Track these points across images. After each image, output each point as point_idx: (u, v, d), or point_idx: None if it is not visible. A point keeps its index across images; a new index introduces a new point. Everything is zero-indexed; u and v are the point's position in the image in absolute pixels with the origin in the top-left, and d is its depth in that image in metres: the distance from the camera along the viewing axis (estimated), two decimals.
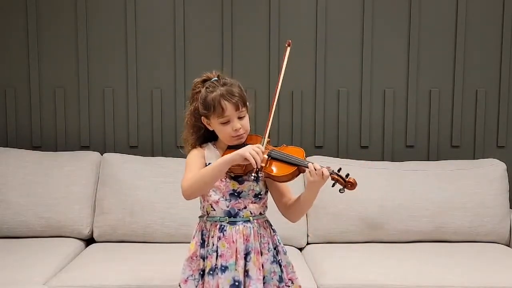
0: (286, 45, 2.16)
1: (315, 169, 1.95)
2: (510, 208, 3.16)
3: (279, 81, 2.13)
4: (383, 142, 3.36)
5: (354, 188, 1.96)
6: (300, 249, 3.01)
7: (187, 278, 2.11)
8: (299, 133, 3.34)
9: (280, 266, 2.09)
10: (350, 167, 3.05)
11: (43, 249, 2.84)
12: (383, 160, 3.33)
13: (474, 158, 3.33)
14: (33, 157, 3.14)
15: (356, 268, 2.65)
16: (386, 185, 3.04)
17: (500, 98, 3.34)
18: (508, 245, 3.05)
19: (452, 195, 3.03)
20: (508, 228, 3.05)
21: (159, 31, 3.30)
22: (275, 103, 2.12)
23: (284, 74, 2.13)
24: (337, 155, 3.32)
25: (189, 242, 2.99)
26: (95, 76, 3.33)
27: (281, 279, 2.07)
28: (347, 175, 1.97)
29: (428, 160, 3.33)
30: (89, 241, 3.06)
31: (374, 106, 3.34)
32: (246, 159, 1.92)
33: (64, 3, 3.29)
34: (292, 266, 2.14)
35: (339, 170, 1.99)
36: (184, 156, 2.22)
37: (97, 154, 3.19)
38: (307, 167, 1.97)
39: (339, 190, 1.96)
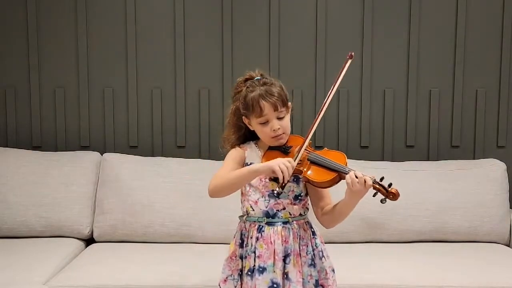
0: (348, 57, 2.10)
1: (357, 177, 1.89)
2: (510, 208, 3.16)
3: (334, 87, 2.07)
4: (383, 142, 3.36)
5: (397, 199, 1.89)
6: None
7: (226, 277, 2.09)
8: (299, 133, 3.32)
9: (317, 271, 2.06)
10: (350, 167, 3.08)
11: (43, 249, 2.84)
12: (383, 160, 3.33)
13: (474, 158, 3.33)
14: (33, 157, 3.14)
15: (356, 268, 2.65)
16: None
17: (500, 98, 3.34)
18: (508, 245, 3.05)
19: (452, 195, 3.03)
20: (508, 228, 3.05)
21: (159, 31, 3.31)
22: (324, 108, 2.07)
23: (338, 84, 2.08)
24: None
25: (188, 242, 3.02)
26: (95, 76, 3.33)
27: (317, 284, 2.04)
28: (390, 185, 1.90)
29: (428, 160, 3.33)
30: (89, 241, 3.06)
31: (374, 106, 3.34)
32: (274, 172, 1.90)
33: (64, 3, 3.29)
34: (326, 273, 2.08)
35: (382, 179, 1.92)
36: (220, 157, 2.19)
37: (97, 154, 3.19)
38: (350, 174, 1.91)
39: (381, 200, 1.90)
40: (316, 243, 2.09)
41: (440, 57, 3.33)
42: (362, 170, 3.04)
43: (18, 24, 3.30)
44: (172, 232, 2.98)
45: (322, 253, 2.10)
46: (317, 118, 2.06)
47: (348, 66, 2.08)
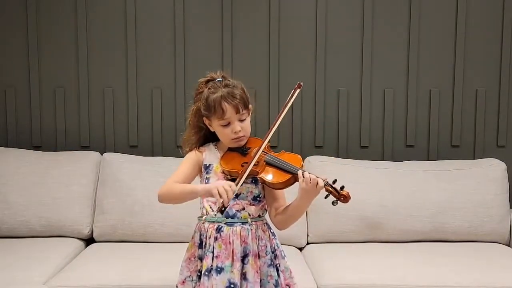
0: (296, 86, 2.11)
1: (310, 179, 1.92)
2: (510, 208, 3.16)
3: (282, 112, 2.06)
4: (383, 142, 3.36)
5: (347, 201, 1.93)
6: (300, 249, 3.01)
7: (185, 279, 2.10)
8: (299, 133, 3.34)
9: (278, 270, 2.07)
10: (350, 167, 3.08)
11: (43, 249, 2.84)
12: (383, 160, 3.33)
13: (474, 158, 3.33)
14: (33, 157, 3.14)
15: (356, 268, 2.65)
16: (386, 185, 3.04)
17: (500, 98, 3.34)
18: (508, 245, 3.05)
19: (452, 195, 3.03)
20: (508, 228, 3.05)
21: (159, 31, 3.31)
22: (282, 115, 2.06)
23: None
24: (337, 155, 3.32)
25: (188, 242, 3.01)
26: (95, 76, 3.33)
27: (277, 284, 2.05)
28: (342, 188, 1.93)
29: (428, 160, 3.33)
30: (89, 241, 3.06)
31: (374, 106, 3.34)
32: (212, 195, 1.92)
33: (64, 3, 3.29)
34: (291, 272, 2.10)
35: (334, 181, 1.95)
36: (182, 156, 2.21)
37: (97, 154, 3.19)
38: (301, 175, 1.93)
39: (332, 202, 1.93)
40: (277, 244, 2.10)
41: (440, 57, 3.33)
42: (362, 170, 3.07)
43: (18, 24, 3.30)
44: (172, 232, 2.98)
45: (283, 253, 2.11)
46: (276, 122, 2.07)
47: (296, 97, 2.11)
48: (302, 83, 2.11)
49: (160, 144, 3.35)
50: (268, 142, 2.07)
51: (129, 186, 3.02)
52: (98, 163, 3.14)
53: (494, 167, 3.12)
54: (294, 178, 1.98)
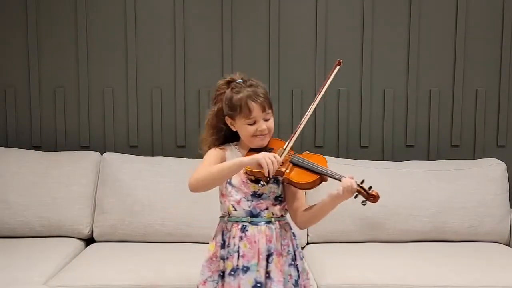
0: (336, 63, 2.11)
1: (349, 184, 1.91)
2: (510, 208, 3.16)
3: (320, 92, 2.09)
4: (383, 142, 3.36)
5: (377, 201, 1.94)
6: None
7: (206, 279, 2.09)
8: (299, 132, 3.33)
9: (298, 270, 2.07)
10: (350, 166, 3.08)
11: (43, 249, 2.84)
12: (383, 159, 3.33)
13: (474, 158, 3.33)
14: (33, 157, 3.14)
15: (356, 268, 2.65)
16: (386, 185, 3.04)
17: (500, 98, 3.34)
18: (508, 245, 3.05)
19: (452, 195, 3.03)
20: (508, 228, 3.05)
21: (159, 31, 3.31)
22: (309, 113, 2.07)
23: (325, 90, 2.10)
24: (337, 154, 3.32)
25: (188, 242, 3.01)
26: (95, 76, 3.33)
27: (297, 284, 2.05)
28: (370, 188, 1.94)
29: (428, 159, 3.33)
30: (89, 241, 3.06)
31: (374, 106, 3.34)
32: (260, 165, 1.91)
33: (64, 3, 3.29)
34: (307, 273, 2.12)
35: (362, 181, 1.96)
36: (196, 156, 2.21)
37: (97, 154, 3.19)
38: (332, 178, 1.95)
39: (362, 202, 1.94)
40: (296, 244, 2.11)
41: (440, 57, 3.33)
42: (362, 169, 3.07)
43: (18, 24, 3.30)
44: (172, 232, 2.98)
45: (302, 254, 2.13)
46: (303, 121, 2.08)
47: (336, 73, 2.11)
48: (341, 60, 2.11)
49: (160, 144, 3.35)
50: (292, 143, 2.07)
51: (129, 186, 3.02)
52: (98, 163, 3.14)
53: (494, 167, 3.12)
54: (321, 179, 1.99)
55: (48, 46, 3.31)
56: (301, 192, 2.09)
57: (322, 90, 2.09)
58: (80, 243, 3.01)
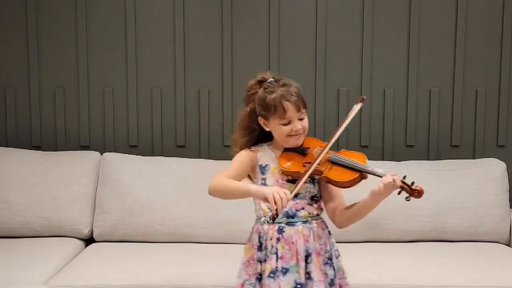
0: (359, 101, 2.07)
1: (391, 180, 1.89)
2: (510, 207, 3.16)
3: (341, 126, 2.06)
4: (383, 142, 3.36)
5: (421, 196, 1.91)
6: None
7: (244, 282, 2.06)
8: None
9: (334, 269, 2.05)
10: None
11: (43, 249, 2.84)
12: (383, 159, 3.32)
13: (474, 158, 3.32)
14: (33, 157, 3.14)
15: (356, 267, 2.64)
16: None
17: (500, 98, 3.34)
18: (508, 245, 3.05)
19: (452, 195, 3.03)
20: (508, 228, 3.05)
21: (159, 31, 3.31)
22: (349, 119, 2.05)
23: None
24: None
25: (188, 242, 3.02)
26: (95, 76, 3.33)
27: (332, 283, 2.03)
28: (413, 183, 1.92)
29: (428, 159, 3.33)
30: (89, 241, 3.06)
31: (374, 106, 3.34)
32: (266, 200, 1.87)
33: (64, 3, 3.29)
34: (343, 272, 2.09)
35: (404, 177, 1.93)
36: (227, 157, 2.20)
37: (97, 154, 3.19)
38: (372, 175, 1.92)
39: (406, 198, 1.91)
40: (332, 243, 2.09)
41: (440, 57, 3.32)
42: None
43: (18, 24, 3.30)
44: (172, 232, 2.98)
45: (338, 252, 2.10)
46: (342, 124, 2.05)
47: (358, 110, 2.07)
48: (364, 97, 2.10)
49: (160, 144, 3.35)
50: (323, 141, 2.05)
51: (129, 186, 3.02)
52: (98, 163, 3.14)
53: (494, 167, 3.12)
54: (361, 176, 1.96)
55: (48, 46, 3.31)
56: (339, 191, 2.06)
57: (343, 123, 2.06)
58: (80, 243, 3.01)
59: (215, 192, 2.03)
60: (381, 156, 3.35)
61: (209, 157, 3.31)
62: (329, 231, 2.10)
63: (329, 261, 2.04)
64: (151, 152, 3.34)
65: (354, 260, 2.73)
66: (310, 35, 3.31)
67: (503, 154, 3.32)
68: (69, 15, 3.29)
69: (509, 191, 3.14)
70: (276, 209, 1.85)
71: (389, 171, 3.05)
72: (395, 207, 2.99)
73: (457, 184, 3.06)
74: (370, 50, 3.31)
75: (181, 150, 3.35)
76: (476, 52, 3.32)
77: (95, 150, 3.24)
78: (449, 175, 3.09)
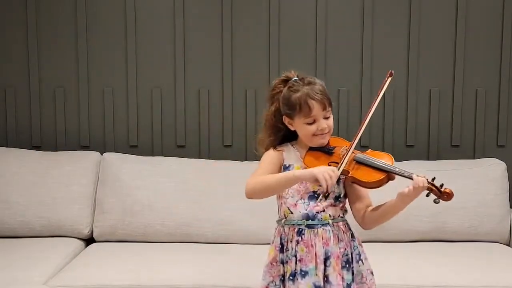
0: (388, 75, 2.05)
1: (420, 181, 1.86)
2: (510, 207, 3.16)
3: (376, 99, 2.08)
4: (383, 142, 3.36)
5: (450, 199, 1.88)
6: None
7: (268, 284, 2.05)
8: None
9: (352, 274, 2.02)
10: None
11: (43, 249, 2.84)
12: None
13: (474, 158, 3.33)
14: (33, 157, 3.14)
15: None
16: (386, 184, 3.03)
17: (500, 98, 3.34)
18: (508, 245, 3.05)
19: None
20: (508, 228, 3.05)
21: (159, 31, 3.31)
22: (371, 112, 2.05)
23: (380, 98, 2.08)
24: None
25: (188, 242, 3.02)
26: (95, 76, 3.33)
27: (348, 287, 2.00)
28: (442, 185, 1.88)
29: (428, 159, 3.33)
30: (89, 240, 3.06)
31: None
32: (317, 180, 1.86)
33: (64, 3, 3.29)
34: (362, 276, 2.04)
35: (433, 179, 1.89)
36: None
37: (97, 154, 3.19)
38: (399, 175, 1.89)
39: (434, 200, 1.88)
40: (354, 246, 2.05)
41: (440, 57, 3.32)
42: None
43: (18, 24, 3.30)
44: (172, 232, 2.98)
45: (359, 256, 2.06)
46: (365, 120, 2.04)
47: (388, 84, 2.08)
48: (393, 71, 2.05)
49: (160, 144, 3.35)
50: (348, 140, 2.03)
51: (129, 186, 3.02)
52: (98, 163, 3.14)
53: (494, 167, 3.12)
54: (388, 177, 1.93)
55: (48, 46, 3.31)
56: (365, 192, 2.03)
57: (377, 98, 2.10)
58: (80, 243, 3.01)
59: (255, 194, 1.99)
60: None
61: (209, 157, 3.31)
62: (352, 234, 2.06)
63: (346, 265, 2.01)
64: (151, 152, 3.34)
65: None
66: (310, 35, 3.31)
67: (503, 154, 3.32)
68: (69, 15, 3.29)
69: (509, 191, 3.14)
70: (327, 187, 1.85)
71: None
72: None
73: (457, 184, 3.03)
74: (370, 50, 3.31)
75: (181, 150, 3.35)
76: (476, 52, 3.32)
77: (95, 150, 3.24)
78: (449, 175, 3.08)
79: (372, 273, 2.08)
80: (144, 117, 3.35)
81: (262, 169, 2.05)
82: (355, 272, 2.03)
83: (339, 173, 1.91)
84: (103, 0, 3.29)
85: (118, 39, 3.31)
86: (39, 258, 2.71)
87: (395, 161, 3.20)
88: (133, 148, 3.35)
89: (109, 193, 3.03)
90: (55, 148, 3.33)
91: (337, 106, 3.34)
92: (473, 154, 3.35)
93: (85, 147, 3.34)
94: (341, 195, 2.04)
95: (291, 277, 1.98)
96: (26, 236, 3.01)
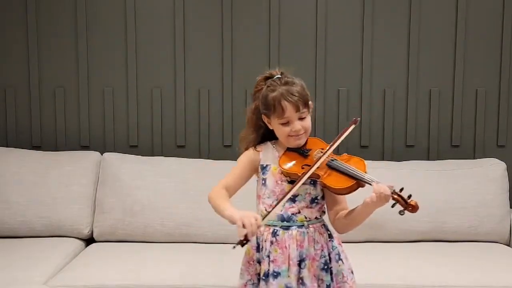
0: (351, 122, 2.04)
1: (380, 192, 1.83)
2: (510, 207, 3.16)
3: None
4: (383, 142, 3.36)
5: (416, 211, 1.84)
6: None
7: (246, 283, 2.05)
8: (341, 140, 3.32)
9: (331, 274, 2.01)
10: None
11: (43, 248, 2.84)
12: (383, 159, 3.33)
13: (474, 158, 3.33)
14: (33, 157, 3.14)
15: (356, 267, 2.63)
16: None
17: (500, 98, 3.34)
18: (508, 245, 3.05)
19: (452, 195, 3.03)
20: (508, 228, 3.05)
21: (159, 31, 3.31)
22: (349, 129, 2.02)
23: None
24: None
25: (188, 242, 3.02)
26: (95, 76, 3.33)
27: None
28: (409, 197, 1.85)
29: (428, 159, 3.33)
30: (89, 240, 3.06)
31: (374, 106, 3.34)
32: (235, 224, 1.85)
33: (64, 3, 3.29)
34: (343, 275, 2.03)
35: (401, 190, 1.86)
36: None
37: (97, 154, 3.19)
38: (369, 184, 1.86)
39: (399, 212, 1.85)
40: (333, 246, 2.04)
41: (440, 57, 3.32)
42: None
43: (18, 24, 3.30)
44: (172, 232, 2.98)
45: (339, 256, 2.05)
46: (346, 130, 2.02)
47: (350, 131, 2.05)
48: (359, 119, 2.05)
49: (160, 144, 3.35)
50: (327, 143, 2.02)
51: (129, 186, 3.02)
52: (98, 163, 3.14)
53: (494, 167, 3.12)
54: (358, 184, 1.91)
55: (48, 46, 3.31)
56: (342, 196, 2.02)
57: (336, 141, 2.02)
58: (80, 243, 3.01)
59: (210, 203, 2.04)
60: (381, 156, 3.35)
61: (209, 157, 3.31)
62: (329, 234, 2.05)
63: (325, 267, 2.00)
64: (151, 152, 3.34)
65: (354, 260, 2.73)
66: (310, 35, 3.31)
67: (503, 154, 3.32)
68: (69, 15, 3.29)
69: (509, 191, 3.14)
70: (245, 235, 1.82)
71: (389, 171, 3.10)
72: (395, 207, 2.99)
73: (457, 184, 3.06)
74: (370, 50, 3.31)
75: (181, 150, 3.35)
76: (476, 52, 3.32)
77: (95, 150, 3.24)
78: (449, 175, 3.09)
79: (352, 272, 2.08)
80: (144, 117, 3.35)
81: (232, 173, 2.06)
82: (335, 271, 2.03)
83: (263, 223, 1.88)
84: (103, 0, 3.29)
85: (118, 39, 3.31)
86: (39, 258, 2.71)
87: (396, 161, 3.25)
88: (133, 148, 3.35)
89: (109, 193, 3.03)
90: (55, 148, 3.33)
91: (337, 106, 3.34)
92: (473, 154, 3.35)
93: (85, 147, 3.34)
94: (318, 197, 2.03)
95: (263, 277, 1.98)
96: (26, 236, 3.01)
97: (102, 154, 3.18)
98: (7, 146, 3.30)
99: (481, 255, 2.84)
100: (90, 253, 2.88)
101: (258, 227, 1.84)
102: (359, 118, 2.04)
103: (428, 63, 3.33)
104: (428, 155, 3.36)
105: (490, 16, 3.30)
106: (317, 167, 1.93)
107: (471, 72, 3.33)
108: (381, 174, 3.04)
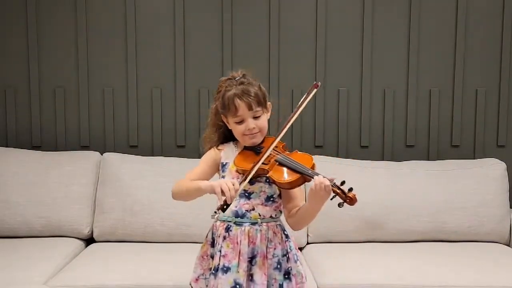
0: (313, 86, 2.02)
1: (320, 182, 1.85)
2: (510, 207, 3.16)
3: (298, 110, 2.02)
4: (383, 142, 3.36)
5: (354, 204, 1.86)
6: (300, 249, 3.00)
7: (198, 277, 2.11)
8: (299, 132, 3.34)
9: (289, 273, 2.03)
10: (350, 167, 3.08)
11: (43, 248, 2.84)
12: (383, 160, 3.33)
13: (474, 158, 3.33)
14: (33, 157, 3.14)
15: (356, 268, 2.65)
16: (386, 184, 3.04)
17: (500, 98, 3.34)
18: (508, 245, 3.05)
19: (452, 195, 3.03)
20: (508, 228, 3.05)
21: (159, 31, 3.31)
22: (296, 115, 2.01)
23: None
24: (337, 155, 3.32)
25: (188, 242, 3.02)
26: (95, 76, 3.33)
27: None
28: (350, 189, 1.87)
29: (428, 159, 3.33)
30: (89, 240, 3.06)
31: (374, 106, 3.34)
32: (214, 191, 1.89)
33: (64, 3, 3.29)
34: (302, 276, 2.05)
35: (343, 183, 1.88)
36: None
37: (97, 154, 3.19)
38: (312, 178, 1.88)
39: (338, 204, 1.87)
40: (290, 246, 2.06)
41: (440, 57, 3.33)
42: (362, 169, 3.07)
43: (18, 24, 3.30)
44: (172, 232, 2.98)
45: (297, 257, 2.07)
46: (288, 122, 2.02)
47: (313, 95, 2.03)
48: (319, 83, 2.05)
49: (160, 144, 3.35)
50: (282, 141, 2.04)
51: (129, 186, 3.02)
52: (98, 163, 3.14)
53: (494, 167, 3.12)
54: (303, 179, 1.94)
55: (48, 46, 3.31)
56: (295, 193, 2.04)
57: (297, 110, 2.02)
58: (80, 243, 3.01)
59: (176, 196, 2.07)
60: (381, 156, 3.35)
61: None
62: (286, 234, 2.07)
63: (278, 266, 2.02)
64: (151, 152, 3.34)
65: (354, 260, 2.75)
66: (310, 35, 3.31)
67: (503, 154, 3.32)
68: (69, 15, 3.29)
69: (509, 191, 3.14)
70: (225, 200, 1.86)
71: (389, 171, 3.10)
72: (395, 207, 2.99)
73: (457, 184, 3.06)
74: (370, 50, 3.31)
75: (181, 150, 3.35)
76: (476, 52, 3.32)
77: (95, 150, 3.24)
78: (449, 175, 3.09)
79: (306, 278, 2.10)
80: (144, 117, 3.35)
81: (195, 170, 2.11)
82: (294, 272, 2.04)
83: (241, 187, 1.92)
84: (103, 0, 3.29)
85: (118, 39, 3.31)
86: (39, 258, 2.71)
87: (396, 161, 3.25)
88: (133, 148, 3.35)
89: (109, 193, 3.03)
90: (55, 148, 3.33)
91: (337, 106, 3.34)
92: (473, 154, 3.35)
93: (85, 147, 3.34)
94: (274, 196, 2.05)
95: (213, 272, 2.02)
96: (26, 236, 3.00)
97: (102, 154, 3.18)
98: (7, 146, 3.30)
99: (481, 255, 2.84)
100: (90, 253, 2.88)
101: (236, 191, 1.88)
102: (319, 83, 2.05)
103: (428, 63, 3.33)
104: (428, 155, 3.36)
105: (490, 16, 3.30)
106: (267, 164, 1.96)
107: (471, 72, 3.33)
108: (381, 174, 3.07)
